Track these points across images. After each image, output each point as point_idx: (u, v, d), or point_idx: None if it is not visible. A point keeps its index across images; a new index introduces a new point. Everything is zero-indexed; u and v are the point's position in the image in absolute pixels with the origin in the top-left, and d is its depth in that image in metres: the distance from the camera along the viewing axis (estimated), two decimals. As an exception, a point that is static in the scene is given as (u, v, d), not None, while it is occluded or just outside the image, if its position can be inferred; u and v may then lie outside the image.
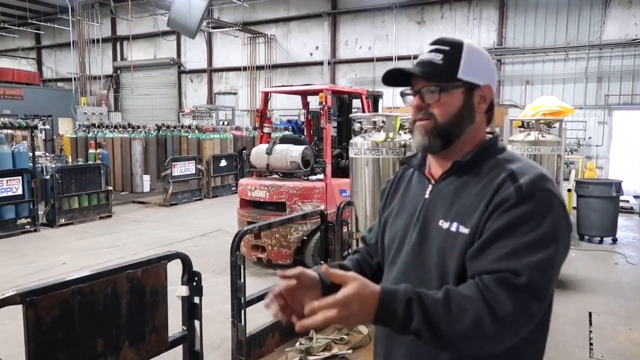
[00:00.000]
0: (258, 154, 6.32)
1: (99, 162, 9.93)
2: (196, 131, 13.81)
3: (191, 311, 2.67)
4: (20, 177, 7.89)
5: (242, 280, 3.23)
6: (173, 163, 10.84)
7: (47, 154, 11.01)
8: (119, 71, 22.29)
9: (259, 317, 3.76)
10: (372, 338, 3.87)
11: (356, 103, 7.54)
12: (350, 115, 6.09)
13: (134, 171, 12.38)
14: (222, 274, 5.46)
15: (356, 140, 4.30)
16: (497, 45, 14.72)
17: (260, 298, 3.52)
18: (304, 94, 7.38)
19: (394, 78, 1.27)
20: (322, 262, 4.37)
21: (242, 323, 3.27)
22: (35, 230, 8.04)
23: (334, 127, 6.93)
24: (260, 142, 6.61)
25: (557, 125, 5.88)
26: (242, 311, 3.27)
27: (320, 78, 17.27)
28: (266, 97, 6.80)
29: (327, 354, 3.60)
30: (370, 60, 16.63)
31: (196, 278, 2.66)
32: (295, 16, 18.03)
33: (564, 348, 3.93)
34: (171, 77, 21.14)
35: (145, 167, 12.77)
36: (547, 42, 14.09)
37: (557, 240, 1.07)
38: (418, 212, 1.26)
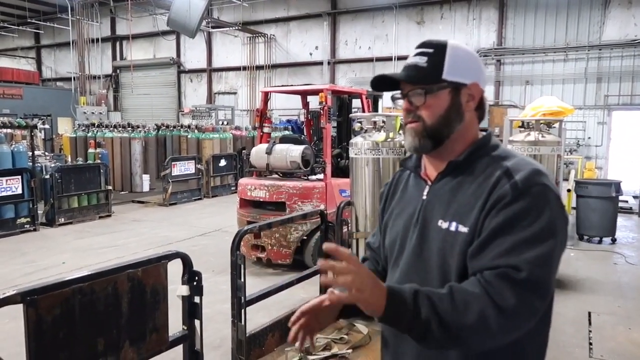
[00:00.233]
0: (258, 153, 6.32)
1: (99, 161, 9.93)
2: (196, 131, 13.81)
3: (191, 311, 2.67)
4: (19, 177, 7.89)
5: (243, 279, 3.23)
6: (172, 163, 10.84)
7: (46, 153, 11.01)
8: (118, 71, 22.28)
9: (258, 317, 3.77)
10: (372, 338, 3.88)
11: (356, 103, 7.55)
12: (351, 115, 6.09)
13: (134, 171, 12.38)
14: (221, 274, 5.46)
15: (356, 140, 4.31)
16: (496, 45, 14.73)
17: (260, 298, 3.53)
18: (304, 94, 7.39)
19: (383, 83, 1.30)
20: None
21: (242, 322, 3.28)
22: (34, 230, 8.04)
23: (333, 127, 6.93)
24: (260, 142, 6.61)
25: (557, 125, 5.88)
26: (242, 311, 3.27)
27: (319, 78, 17.27)
28: (266, 96, 6.80)
29: (326, 353, 3.60)
30: (370, 60, 16.63)
31: (196, 278, 2.66)
32: (295, 16, 18.03)
33: (563, 348, 3.93)
34: (171, 76, 21.13)
35: (144, 166, 12.77)
36: (547, 43, 14.10)
37: (554, 233, 1.08)
38: (417, 214, 1.27)
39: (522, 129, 5.70)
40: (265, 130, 6.78)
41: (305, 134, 7.87)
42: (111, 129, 12.91)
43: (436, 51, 1.22)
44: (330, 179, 5.97)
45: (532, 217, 1.07)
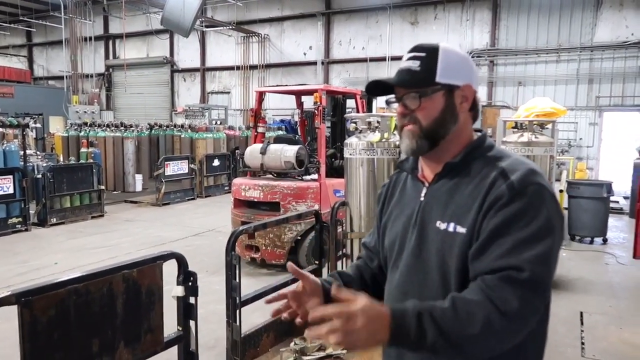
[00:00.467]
0: (252, 153, 6.32)
1: (91, 161, 9.87)
2: (189, 130, 13.76)
3: (186, 311, 2.67)
4: (11, 176, 7.83)
5: (237, 280, 3.23)
6: (166, 162, 10.80)
7: (38, 152, 10.92)
8: (111, 69, 22.15)
9: (253, 317, 3.77)
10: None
11: (350, 103, 7.56)
12: (346, 115, 6.10)
13: (126, 170, 12.32)
14: (215, 274, 5.45)
15: (351, 140, 4.31)
16: (489, 46, 14.80)
17: (255, 298, 3.53)
18: (298, 94, 7.39)
19: (377, 88, 1.31)
20: (316, 262, 4.38)
21: (237, 323, 3.27)
22: (26, 230, 7.98)
23: (327, 127, 6.94)
24: (255, 142, 6.60)
25: (549, 126, 5.93)
26: (237, 311, 3.27)
27: (313, 78, 17.27)
28: (261, 96, 6.80)
29: (321, 354, 3.60)
30: (364, 60, 16.66)
31: (192, 278, 2.66)
32: (289, 16, 18.01)
33: (555, 348, 3.96)
34: (164, 75, 21.04)
35: (137, 166, 12.71)
36: (539, 44, 14.19)
37: (552, 232, 1.11)
38: (415, 215, 1.29)
39: (516, 129, 5.74)
40: (260, 130, 6.77)
41: (299, 134, 7.87)
42: (104, 128, 12.82)
43: (428, 55, 1.23)
44: (324, 179, 5.98)
45: (529, 217, 1.09)
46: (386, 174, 4.10)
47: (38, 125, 12.89)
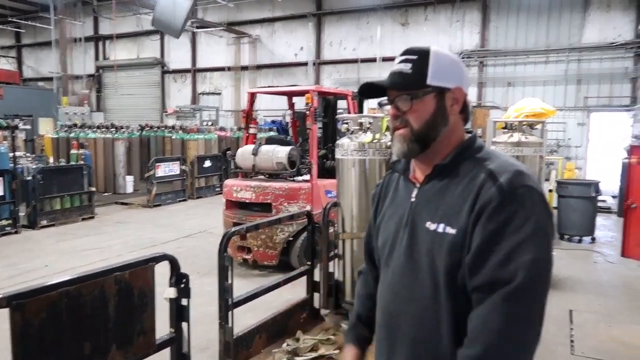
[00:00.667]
0: (244, 154, 6.32)
1: (81, 162, 9.80)
2: (180, 132, 13.71)
3: (179, 313, 2.66)
4: (1, 178, 7.75)
5: (230, 281, 3.23)
6: (157, 164, 10.75)
7: (27, 154, 10.83)
8: (101, 70, 22.02)
9: (246, 318, 3.77)
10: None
11: (341, 104, 7.57)
12: (337, 116, 6.11)
13: (117, 172, 12.24)
14: (207, 275, 5.44)
15: (343, 141, 4.33)
16: (479, 47, 14.91)
17: (247, 299, 3.53)
18: (290, 95, 7.39)
19: (370, 90, 1.33)
20: (308, 263, 4.39)
21: (230, 324, 3.27)
22: (16, 232, 7.90)
23: (319, 128, 6.95)
24: (246, 143, 6.60)
25: (539, 126, 5.98)
26: (230, 312, 3.27)
27: (304, 79, 17.28)
28: (252, 97, 6.79)
29: (314, 354, 3.61)
30: (355, 61, 16.70)
31: (184, 280, 2.65)
32: (280, 17, 18.02)
33: (545, 346, 4.00)
34: (154, 77, 20.95)
35: (128, 167, 12.63)
36: (529, 45, 14.32)
37: (544, 231, 1.13)
38: (406, 216, 1.31)
39: (506, 130, 5.78)
40: (251, 131, 6.77)
41: (290, 134, 7.88)
42: (94, 129, 12.74)
43: (420, 58, 1.25)
44: (316, 179, 5.99)
45: (521, 220, 1.11)
46: (378, 174, 4.12)
47: (27, 126, 12.77)
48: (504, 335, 1.09)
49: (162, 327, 2.66)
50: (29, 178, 8.35)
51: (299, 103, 6.94)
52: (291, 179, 6.13)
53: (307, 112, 5.99)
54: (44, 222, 8.37)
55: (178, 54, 20.22)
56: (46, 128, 17.30)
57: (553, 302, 4.95)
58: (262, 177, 6.31)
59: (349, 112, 6.67)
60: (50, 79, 20.91)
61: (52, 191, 8.51)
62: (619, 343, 4.13)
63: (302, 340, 3.78)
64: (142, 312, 2.43)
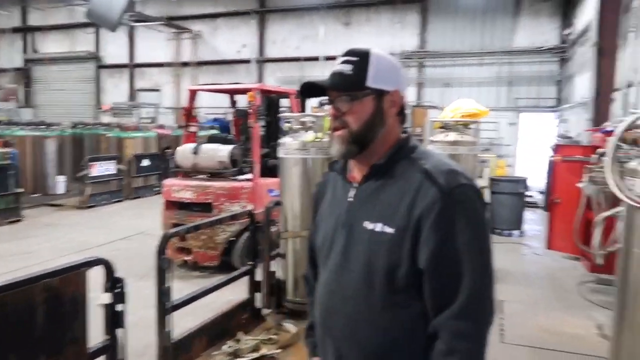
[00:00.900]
0: (184, 153, 6.18)
1: (8, 162, 9.18)
2: (117, 129, 13.16)
3: (114, 319, 2.57)
4: None
5: (168, 284, 3.16)
6: (91, 163, 10.29)
7: (-55, 153, 10.01)
8: (30, 64, 20.71)
9: (186, 321, 3.69)
10: (300, 336, 3.92)
11: (284, 102, 7.57)
12: (280, 114, 6.10)
13: (48, 172, 11.57)
14: (144, 278, 5.26)
15: (285, 140, 4.34)
16: (419, 48, 15.37)
17: (186, 302, 3.47)
18: (233, 93, 7.30)
19: (311, 90, 1.34)
20: (249, 263, 4.36)
21: (167, 328, 3.20)
22: None
23: (262, 127, 6.91)
24: (187, 141, 6.45)
25: (473, 126, 6.25)
26: (168, 316, 3.20)
27: (247, 76, 17.08)
28: (193, 95, 6.65)
29: (255, 354, 3.60)
30: (298, 59, 16.70)
31: (119, 285, 2.57)
32: (223, 12, 17.69)
33: (479, 336, 4.19)
34: (89, 71, 19.96)
35: (60, 167, 11.96)
36: (465, 47, 14.91)
37: (482, 223, 1.23)
38: (344, 215, 1.33)
39: (443, 129, 6.00)
40: (192, 129, 6.62)
41: (232, 133, 7.78)
42: (22, 126, 11.99)
43: (360, 59, 1.27)
44: (258, 178, 5.95)
45: (464, 221, 1.18)
46: (320, 173, 4.15)
47: (-55, 123, 11.83)
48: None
49: (98, 335, 2.57)
50: (-53, 179, 7.75)
51: (242, 101, 6.86)
52: (233, 178, 6.06)
53: (250, 111, 5.94)
54: (-35, 226, 7.80)
55: (115, 48, 19.36)
56: (-33, 124, 16.06)
57: (486, 294, 5.19)
58: (203, 176, 6.20)
59: (292, 111, 6.67)
60: (-29, 72, 19.47)
61: (-27, 193, 7.94)
62: (544, 330, 4.41)
63: (243, 341, 3.76)
64: (73, 320, 2.32)
